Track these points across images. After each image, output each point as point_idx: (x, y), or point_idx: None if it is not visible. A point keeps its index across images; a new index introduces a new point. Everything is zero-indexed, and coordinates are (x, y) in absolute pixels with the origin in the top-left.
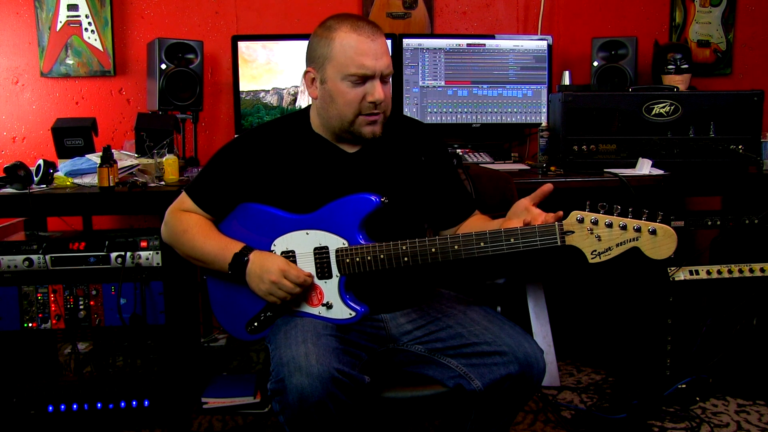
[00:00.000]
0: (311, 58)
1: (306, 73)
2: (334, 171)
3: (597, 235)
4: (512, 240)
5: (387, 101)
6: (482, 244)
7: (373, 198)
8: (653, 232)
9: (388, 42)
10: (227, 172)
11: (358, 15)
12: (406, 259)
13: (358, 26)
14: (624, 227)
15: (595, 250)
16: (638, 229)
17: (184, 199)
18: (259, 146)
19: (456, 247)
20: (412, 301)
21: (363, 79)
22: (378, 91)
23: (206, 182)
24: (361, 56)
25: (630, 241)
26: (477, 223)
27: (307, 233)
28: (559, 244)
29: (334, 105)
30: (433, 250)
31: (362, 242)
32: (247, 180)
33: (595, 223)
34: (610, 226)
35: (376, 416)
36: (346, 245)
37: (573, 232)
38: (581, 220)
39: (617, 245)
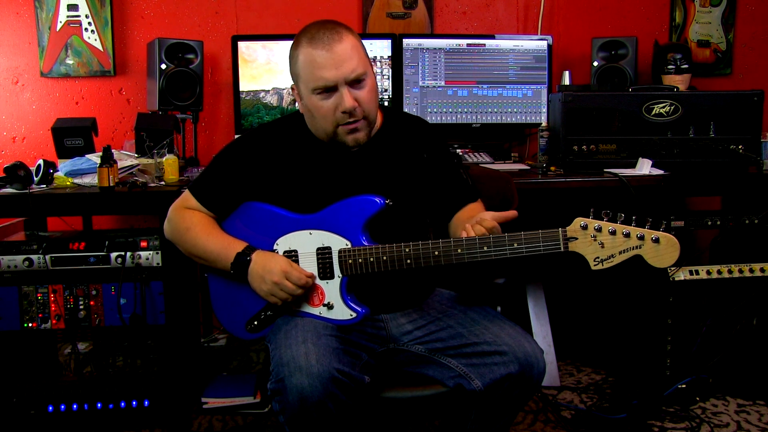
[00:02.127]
0: (291, 75)
1: (292, 89)
2: (337, 170)
3: (600, 242)
4: (515, 245)
5: (365, 105)
6: (485, 248)
7: (377, 200)
8: (656, 241)
9: (388, 42)
10: (231, 171)
11: (323, 21)
12: (408, 261)
13: (314, 38)
14: (627, 235)
15: (598, 257)
16: (641, 237)
17: (187, 197)
18: (263, 145)
19: (459, 250)
20: (413, 301)
21: (328, 90)
22: (347, 100)
23: (210, 180)
24: (319, 70)
25: (633, 248)
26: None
27: (311, 233)
28: (562, 250)
29: (314, 119)
30: (437, 253)
31: (365, 243)
32: (250, 178)
33: (599, 230)
34: (613, 233)
35: (376, 416)
36: (349, 246)
37: (576, 239)
38: (585, 227)
39: (620, 253)
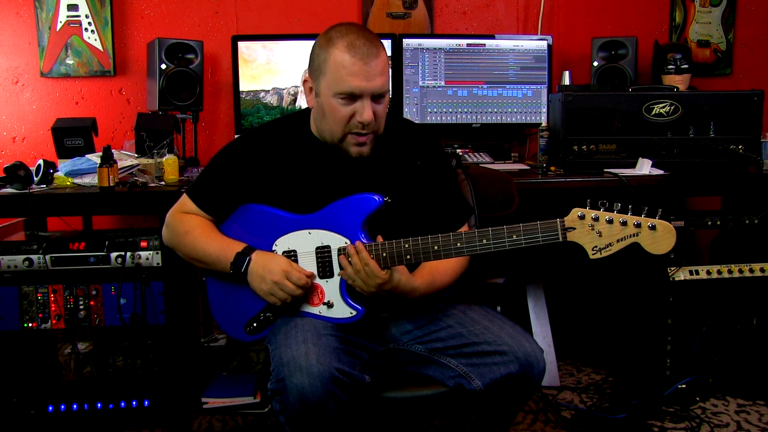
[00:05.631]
0: (310, 67)
1: (305, 81)
2: (334, 172)
3: (598, 231)
4: (514, 237)
5: (379, 121)
6: (485, 241)
7: (375, 197)
8: (653, 228)
9: (388, 42)
10: (228, 173)
11: (361, 29)
12: (408, 257)
13: (354, 46)
14: (624, 223)
15: (596, 246)
16: (638, 225)
17: (184, 201)
18: (260, 147)
19: (458, 244)
20: (412, 300)
21: (352, 98)
22: (367, 113)
23: (207, 184)
24: (352, 77)
25: (630, 236)
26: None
27: (309, 233)
28: (560, 240)
29: (325, 119)
30: (436, 247)
31: (364, 241)
32: (247, 181)
33: (596, 219)
34: (610, 222)
35: (376, 416)
36: (349, 244)
37: (574, 229)
38: (582, 217)
39: (617, 241)
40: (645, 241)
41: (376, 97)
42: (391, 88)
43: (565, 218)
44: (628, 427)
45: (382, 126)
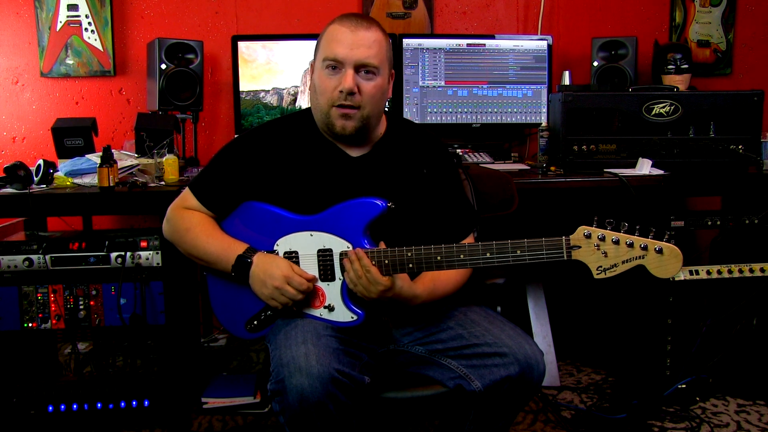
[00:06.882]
0: (314, 52)
1: (311, 65)
2: (338, 174)
3: (603, 251)
4: (519, 252)
5: (365, 96)
6: (488, 254)
7: (379, 202)
8: (660, 251)
9: None
10: (232, 170)
11: (360, 14)
12: (411, 265)
13: (345, 18)
14: (631, 245)
15: (601, 266)
16: (645, 248)
17: (187, 196)
18: (264, 144)
19: (462, 256)
20: (413, 307)
21: (336, 66)
22: (346, 81)
23: (210, 179)
24: (335, 43)
25: (636, 258)
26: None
27: (311, 235)
28: (565, 258)
29: (315, 95)
30: (439, 258)
31: (367, 246)
32: (251, 178)
33: (602, 239)
34: (617, 242)
35: (376, 416)
36: (350, 249)
37: (579, 247)
38: (588, 236)
39: (623, 262)
40: (651, 264)
41: (362, 71)
42: (391, 88)
43: (570, 236)
44: (628, 427)
45: (371, 108)
